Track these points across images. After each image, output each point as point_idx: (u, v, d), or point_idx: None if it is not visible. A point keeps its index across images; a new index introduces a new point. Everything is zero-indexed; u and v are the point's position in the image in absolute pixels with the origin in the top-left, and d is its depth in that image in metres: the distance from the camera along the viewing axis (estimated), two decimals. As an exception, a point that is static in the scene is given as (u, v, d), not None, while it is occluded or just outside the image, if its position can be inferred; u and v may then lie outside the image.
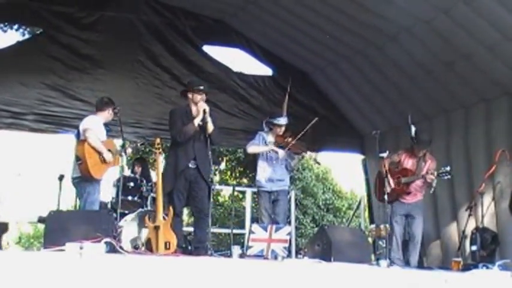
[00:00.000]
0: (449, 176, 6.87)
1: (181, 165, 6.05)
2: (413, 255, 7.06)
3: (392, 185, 7.00)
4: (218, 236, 15.09)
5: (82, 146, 6.18)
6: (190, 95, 6.22)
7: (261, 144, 7.00)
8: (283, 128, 6.99)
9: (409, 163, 7.13)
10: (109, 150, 6.33)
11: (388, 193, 6.79)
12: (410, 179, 6.99)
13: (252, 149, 7.10)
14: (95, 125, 6.36)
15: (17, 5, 8.96)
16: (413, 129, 7.08)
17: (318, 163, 7.28)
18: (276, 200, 6.94)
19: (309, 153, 6.88)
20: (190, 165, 6.07)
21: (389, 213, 7.03)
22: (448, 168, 6.81)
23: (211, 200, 6.16)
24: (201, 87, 6.21)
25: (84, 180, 6.22)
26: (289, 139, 6.85)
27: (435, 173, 6.80)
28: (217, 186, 13.92)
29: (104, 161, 6.25)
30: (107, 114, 6.55)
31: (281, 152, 6.87)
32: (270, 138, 7.02)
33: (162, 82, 9.53)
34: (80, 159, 6.16)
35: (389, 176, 6.95)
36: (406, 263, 6.91)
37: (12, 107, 8.79)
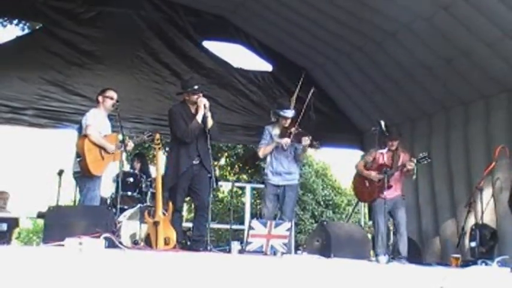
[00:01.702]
0: (429, 160, 7.02)
1: (185, 165, 6.01)
2: (403, 244, 7.10)
3: (377, 179, 7.11)
4: (217, 232, 15.11)
5: (82, 143, 6.15)
6: (186, 96, 6.18)
7: (269, 142, 6.89)
8: (288, 121, 6.85)
9: (384, 158, 7.29)
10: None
11: (368, 192, 7.15)
12: (391, 172, 7.07)
13: (261, 152, 6.95)
14: (96, 120, 6.30)
15: (17, 0, 8.95)
16: (382, 123, 7.39)
17: (317, 147, 7.08)
18: (283, 196, 6.79)
19: (305, 138, 6.67)
20: (194, 162, 6.07)
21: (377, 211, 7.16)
22: (425, 153, 6.97)
23: (211, 195, 6.15)
24: (196, 87, 6.13)
25: (85, 175, 6.20)
26: (292, 129, 6.76)
27: (414, 160, 6.94)
28: (217, 182, 13.90)
29: (104, 156, 6.23)
30: (104, 103, 6.44)
31: (285, 141, 6.71)
32: (276, 130, 6.90)
33: (162, 78, 9.54)
34: (79, 156, 6.15)
35: (366, 172, 7.27)
36: (397, 252, 6.96)
37: (12, 102, 8.78)
